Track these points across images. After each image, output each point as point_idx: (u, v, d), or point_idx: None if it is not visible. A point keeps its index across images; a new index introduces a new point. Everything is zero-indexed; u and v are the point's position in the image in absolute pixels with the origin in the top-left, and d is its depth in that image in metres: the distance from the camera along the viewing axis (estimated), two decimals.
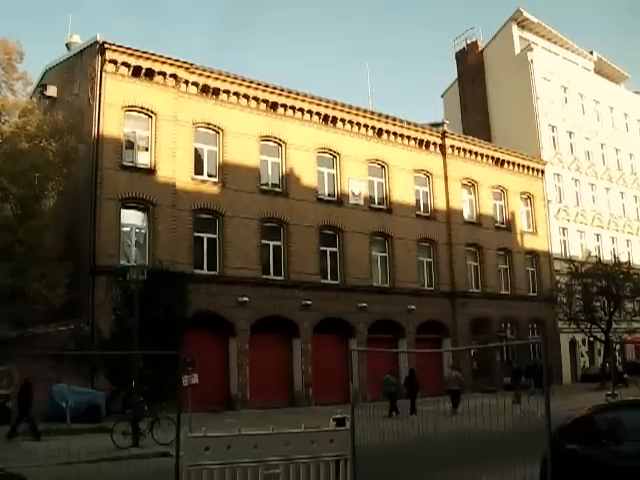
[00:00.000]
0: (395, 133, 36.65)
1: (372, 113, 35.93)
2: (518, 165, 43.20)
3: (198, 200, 28.95)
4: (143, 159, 27.97)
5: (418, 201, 37.51)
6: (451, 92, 54.96)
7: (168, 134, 28.27)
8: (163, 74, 28.42)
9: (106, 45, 26.98)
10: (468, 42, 52.58)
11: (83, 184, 27.10)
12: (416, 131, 37.72)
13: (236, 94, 30.76)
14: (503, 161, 42.21)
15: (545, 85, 47.55)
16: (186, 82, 29.28)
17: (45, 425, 18.95)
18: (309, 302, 30.84)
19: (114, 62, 27.22)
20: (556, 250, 44.25)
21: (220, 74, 30.24)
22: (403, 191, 36.40)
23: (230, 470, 7.69)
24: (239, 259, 29.30)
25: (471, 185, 40.41)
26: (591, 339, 40.66)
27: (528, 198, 44.01)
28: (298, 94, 32.76)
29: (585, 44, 60.55)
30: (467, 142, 40.36)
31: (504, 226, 41.73)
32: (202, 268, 28.75)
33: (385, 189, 35.99)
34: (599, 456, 7.46)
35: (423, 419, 19.92)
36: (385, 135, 36.25)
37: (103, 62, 27.06)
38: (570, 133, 48.42)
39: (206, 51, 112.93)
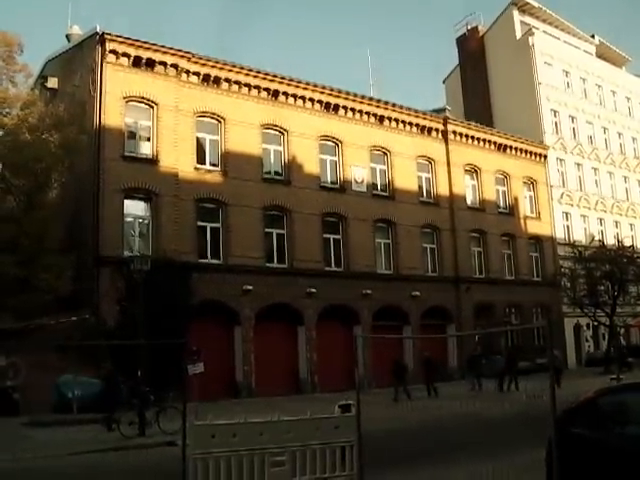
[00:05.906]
0: (397, 120, 36.53)
1: (373, 100, 35.78)
2: (520, 150, 43.05)
3: (201, 189, 28.92)
4: (145, 149, 27.96)
5: (421, 187, 37.44)
6: (452, 78, 54.75)
7: (170, 124, 28.23)
8: (164, 64, 28.35)
9: (106, 36, 26.91)
10: (469, 27, 52.24)
11: (85, 175, 27.11)
12: (418, 117, 37.58)
13: (237, 83, 30.69)
14: (505, 146, 42.07)
15: (547, 69, 47.30)
16: (187, 72, 29.20)
17: (52, 416, 19.09)
18: (313, 290, 30.83)
19: (114, 53, 27.15)
20: (559, 235, 44.17)
21: (220, 63, 30.11)
22: (406, 177, 36.31)
23: (236, 457, 7.74)
24: (243, 248, 29.28)
25: (474, 171, 40.28)
26: (595, 323, 40.65)
27: (531, 183, 43.88)
28: (299, 82, 32.65)
29: (586, 28, 60.33)
30: (469, 128, 40.23)
31: (507, 211, 41.63)
32: (206, 257, 28.78)
33: (388, 176, 35.89)
34: (604, 439, 7.47)
35: (427, 404, 20.04)
36: (387, 122, 36.12)
37: (103, 53, 26.98)
38: (572, 117, 48.21)
39: (207, 40, 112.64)
